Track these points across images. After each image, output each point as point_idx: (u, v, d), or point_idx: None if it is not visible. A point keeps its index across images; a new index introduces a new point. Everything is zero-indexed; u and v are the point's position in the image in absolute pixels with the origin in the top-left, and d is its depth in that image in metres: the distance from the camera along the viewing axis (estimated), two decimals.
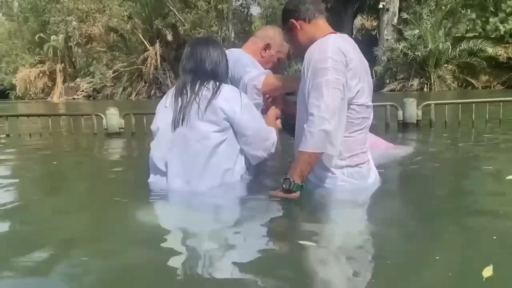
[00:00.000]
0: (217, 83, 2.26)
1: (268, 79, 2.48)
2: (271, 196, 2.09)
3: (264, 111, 2.54)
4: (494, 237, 1.55)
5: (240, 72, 2.50)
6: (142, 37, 32.63)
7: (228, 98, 2.23)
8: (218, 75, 2.31)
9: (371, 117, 2.23)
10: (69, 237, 1.77)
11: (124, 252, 1.57)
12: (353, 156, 2.14)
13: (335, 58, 1.99)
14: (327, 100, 1.96)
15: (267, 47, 2.74)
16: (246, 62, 2.58)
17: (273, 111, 2.56)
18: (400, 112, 5.14)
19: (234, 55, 2.63)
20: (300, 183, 2.02)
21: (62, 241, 1.73)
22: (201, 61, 2.30)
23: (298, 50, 2.34)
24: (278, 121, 2.58)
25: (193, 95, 2.23)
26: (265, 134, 2.35)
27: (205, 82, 2.26)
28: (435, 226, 1.77)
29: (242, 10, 34.05)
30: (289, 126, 2.87)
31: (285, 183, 2.03)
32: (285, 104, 2.62)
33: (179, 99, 2.27)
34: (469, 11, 23.84)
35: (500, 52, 22.90)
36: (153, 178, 2.37)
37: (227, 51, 2.69)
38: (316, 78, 2.00)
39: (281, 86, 2.53)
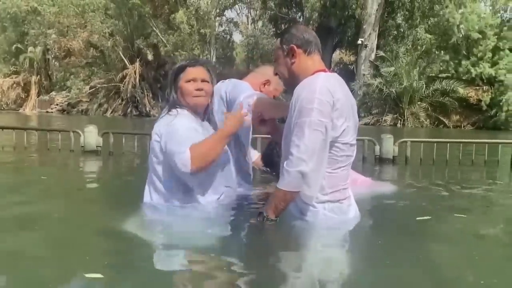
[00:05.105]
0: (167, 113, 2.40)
1: (260, 99, 2.52)
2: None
3: (253, 131, 2.65)
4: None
5: (237, 94, 2.56)
6: (122, 55, 32.43)
7: (160, 133, 2.34)
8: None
9: (354, 154, 2.28)
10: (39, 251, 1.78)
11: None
12: (335, 192, 2.18)
13: (322, 99, 2.02)
14: (307, 141, 2.01)
15: (267, 82, 2.84)
16: (245, 86, 2.65)
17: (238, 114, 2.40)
18: (377, 147, 5.26)
19: (233, 81, 2.73)
20: (273, 217, 2.09)
21: (37, 253, 1.76)
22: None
23: (284, 76, 2.30)
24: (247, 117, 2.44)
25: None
26: (174, 148, 2.22)
27: (165, 112, 2.42)
28: (407, 262, 1.81)
29: (224, 36, 34.38)
30: (271, 163, 2.89)
31: (259, 216, 2.12)
32: (273, 128, 2.65)
33: None
34: (443, 53, 24.83)
35: (471, 94, 23.76)
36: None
37: (227, 80, 2.74)
38: (301, 117, 2.04)
39: (270, 109, 2.56)
